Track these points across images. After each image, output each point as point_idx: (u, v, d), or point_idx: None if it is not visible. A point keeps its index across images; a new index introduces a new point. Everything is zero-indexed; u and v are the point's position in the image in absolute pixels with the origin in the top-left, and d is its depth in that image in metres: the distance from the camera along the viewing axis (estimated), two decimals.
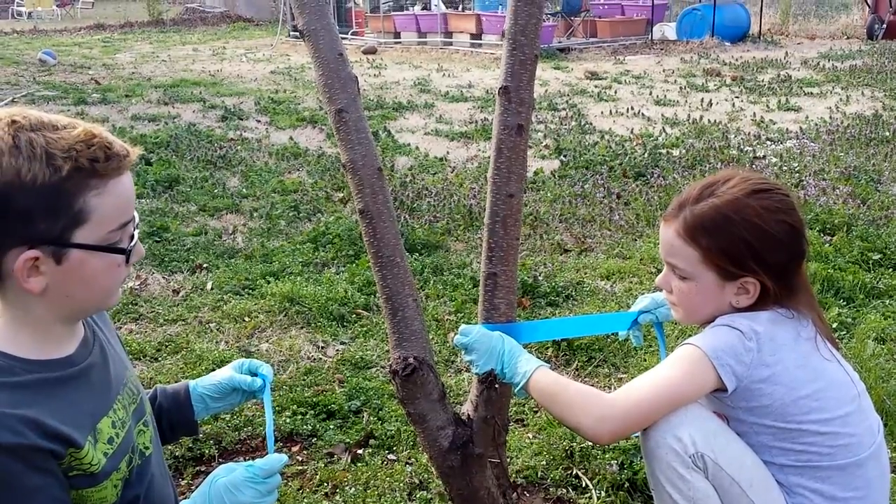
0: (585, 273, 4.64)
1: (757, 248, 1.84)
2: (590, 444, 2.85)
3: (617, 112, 9.76)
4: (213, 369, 3.47)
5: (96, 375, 1.57)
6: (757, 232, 1.83)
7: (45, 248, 1.37)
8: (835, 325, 3.81)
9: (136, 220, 1.52)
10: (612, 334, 3.58)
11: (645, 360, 3.49)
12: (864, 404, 1.92)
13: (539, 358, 3.55)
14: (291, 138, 8.34)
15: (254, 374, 1.93)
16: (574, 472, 2.77)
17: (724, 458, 1.82)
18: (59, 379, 1.47)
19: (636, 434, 1.93)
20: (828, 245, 4.76)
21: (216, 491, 1.52)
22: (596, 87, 11.83)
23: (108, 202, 1.41)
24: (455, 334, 2.07)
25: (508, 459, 2.67)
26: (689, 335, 1.93)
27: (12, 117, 1.37)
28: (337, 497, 2.68)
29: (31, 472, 1.35)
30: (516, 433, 3.02)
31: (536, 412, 3.20)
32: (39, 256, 1.37)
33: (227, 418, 3.06)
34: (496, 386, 2.02)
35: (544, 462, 2.82)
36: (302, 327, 4.02)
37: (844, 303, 4.09)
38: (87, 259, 1.42)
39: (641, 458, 2.67)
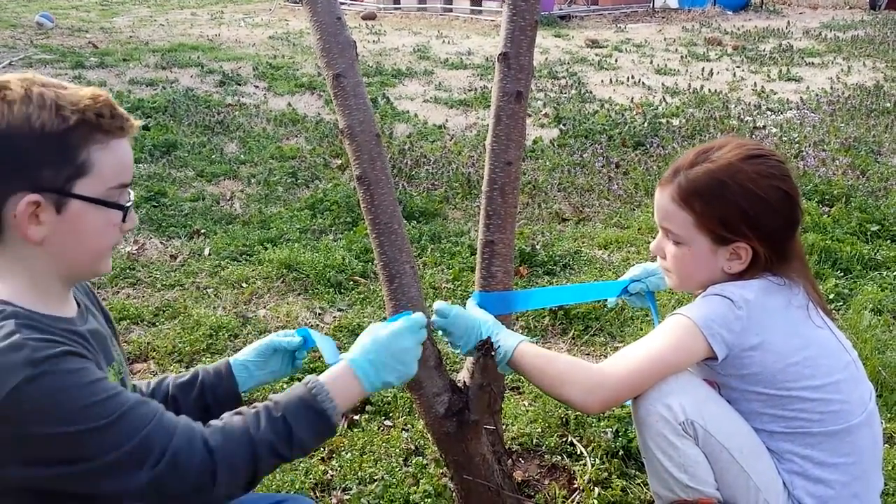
0: (583, 242, 4.65)
1: (750, 213, 1.84)
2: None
3: (617, 81, 9.71)
4: (211, 335, 3.52)
5: (95, 343, 1.58)
6: (750, 197, 1.84)
7: (48, 195, 1.41)
8: (832, 296, 3.82)
9: (132, 191, 1.55)
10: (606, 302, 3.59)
11: (641, 329, 3.50)
12: (855, 372, 1.93)
13: (535, 327, 3.58)
14: (289, 104, 8.29)
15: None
16: (569, 440, 2.79)
17: (713, 424, 1.83)
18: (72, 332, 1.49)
19: (629, 402, 1.94)
20: (826, 216, 4.76)
21: (381, 339, 1.69)
22: (596, 55, 11.77)
23: (110, 158, 1.46)
24: (433, 315, 2.03)
25: (504, 427, 2.69)
26: (685, 303, 1.93)
27: (24, 75, 1.43)
28: (333, 462, 2.69)
29: (93, 367, 1.41)
30: (512, 401, 3.04)
31: None
32: (41, 202, 1.40)
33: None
34: (492, 354, 2.02)
35: (539, 429, 2.84)
36: (299, 294, 4.03)
37: (842, 274, 4.10)
38: (86, 212, 1.45)
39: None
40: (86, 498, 1.40)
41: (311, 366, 3.03)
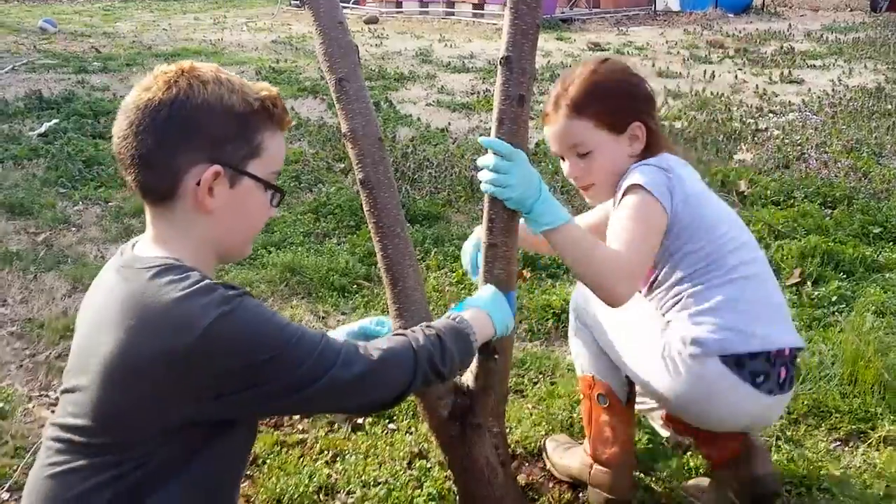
0: None
1: (627, 94, 2.28)
2: None
3: None
4: None
5: None
6: (620, 83, 2.29)
7: (227, 169, 1.56)
8: (834, 299, 3.82)
9: None
10: None
11: None
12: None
13: (539, 330, 3.59)
14: (292, 108, 8.30)
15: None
16: None
17: (593, 323, 2.38)
18: None
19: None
20: (828, 218, 4.77)
21: (489, 291, 1.97)
22: None
23: (277, 145, 1.65)
24: (484, 154, 2.01)
25: (508, 430, 2.69)
26: None
27: (208, 63, 1.62)
28: (337, 465, 2.70)
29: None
30: (516, 404, 3.04)
31: (536, 383, 3.22)
32: (221, 173, 1.55)
33: None
34: (496, 356, 2.03)
35: (543, 432, 2.84)
36: (303, 297, 4.04)
37: (844, 276, 4.09)
38: (253, 191, 1.61)
39: (639, 428, 2.73)
40: (235, 422, 1.56)
41: None
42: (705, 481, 2.54)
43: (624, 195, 2.15)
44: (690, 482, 2.59)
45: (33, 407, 3.10)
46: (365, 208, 2.07)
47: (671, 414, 2.43)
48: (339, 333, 2.08)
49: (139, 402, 1.45)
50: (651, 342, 2.23)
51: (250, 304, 1.49)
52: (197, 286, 1.45)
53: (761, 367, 2.17)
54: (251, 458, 2.74)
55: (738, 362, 2.15)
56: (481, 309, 1.89)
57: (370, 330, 2.09)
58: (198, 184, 1.54)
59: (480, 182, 2.02)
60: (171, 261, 1.52)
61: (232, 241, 1.66)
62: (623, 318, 2.24)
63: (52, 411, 2.88)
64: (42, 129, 7.07)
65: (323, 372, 1.53)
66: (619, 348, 2.32)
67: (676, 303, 2.22)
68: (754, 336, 2.17)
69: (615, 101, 2.24)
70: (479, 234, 2.29)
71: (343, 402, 1.63)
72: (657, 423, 2.62)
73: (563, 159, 2.32)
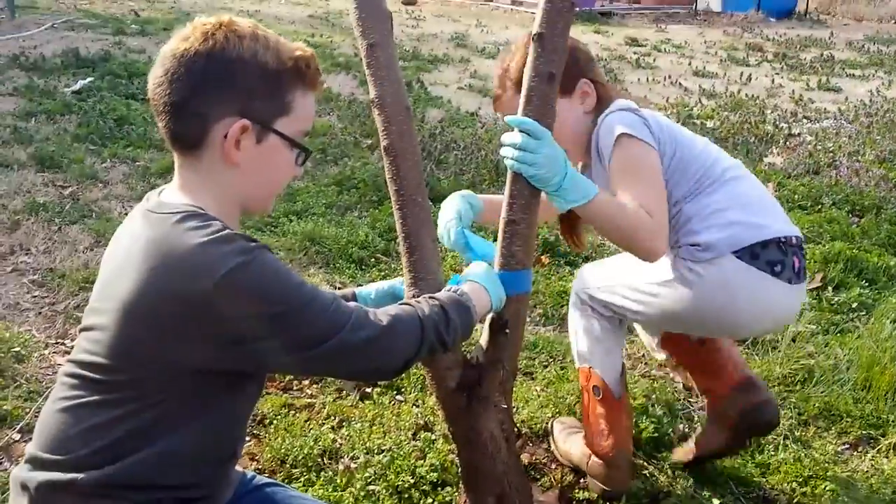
0: None
1: (573, 56, 2.23)
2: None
3: (654, 80, 9.65)
4: None
5: None
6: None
7: (255, 124, 1.57)
8: (854, 305, 3.80)
9: None
10: None
11: None
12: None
13: (554, 315, 3.58)
14: (324, 82, 8.29)
15: None
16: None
17: (595, 291, 2.42)
18: None
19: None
20: (855, 226, 4.73)
21: (482, 268, 1.99)
22: (635, 53, 11.69)
23: (307, 105, 1.66)
24: (513, 132, 2.00)
25: (515, 409, 2.70)
26: None
27: (246, 19, 1.63)
28: (343, 431, 2.72)
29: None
30: (524, 385, 3.05)
31: (546, 367, 3.22)
32: (249, 127, 1.56)
33: None
34: (507, 330, 2.03)
35: (550, 414, 2.85)
36: (321, 267, 4.06)
37: (867, 284, 4.06)
38: (279, 148, 1.62)
39: (645, 417, 2.74)
40: (245, 374, 1.60)
41: None
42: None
43: (613, 152, 2.17)
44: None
45: (49, 353, 3.15)
46: (387, 176, 2.06)
47: (697, 336, 2.48)
48: (370, 290, 2.12)
49: (153, 343, 1.47)
50: (661, 268, 2.25)
51: (268, 257, 1.50)
52: (218, 234, 1.47)
53: (776, 256, 2.19)
54: (259, 418, 2.77)
55: (752, 254, 2.17)
56: (477, 283, 1.92)
57: (400, 290, 2.10)
58: (225, 136, 1.55)
59: (503, 158, 2.02)
60: (194, 208, 1.54)
61: (255, 196, 1.67)
62: (629, 264, 2.23)
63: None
64: (77, 87, 7.13)
65: (333, 333, 1.53)
66: (632, 291, 2.34)
67: (677, 223, 2.25)
68: (760, 226, 2.20)
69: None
70: (456, 206, 2.32)
71: (350, 366, 1.64)
72: (653, 342, 2.68)
73: None
